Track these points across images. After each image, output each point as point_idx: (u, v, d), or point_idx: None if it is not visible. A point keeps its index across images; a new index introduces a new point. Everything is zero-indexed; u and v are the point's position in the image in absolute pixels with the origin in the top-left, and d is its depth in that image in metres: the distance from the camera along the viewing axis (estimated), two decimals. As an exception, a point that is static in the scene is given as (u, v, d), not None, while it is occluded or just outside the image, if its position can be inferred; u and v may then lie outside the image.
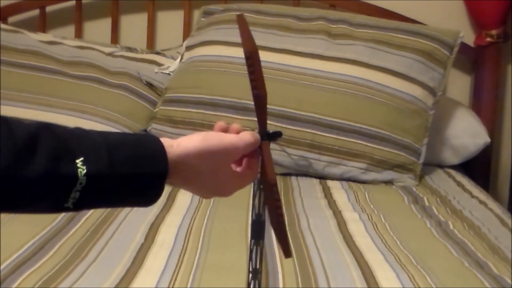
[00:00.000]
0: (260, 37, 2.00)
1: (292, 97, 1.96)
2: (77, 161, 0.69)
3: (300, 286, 1.17)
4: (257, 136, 0.80)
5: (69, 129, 0.71)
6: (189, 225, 1.46)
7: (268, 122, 0.83)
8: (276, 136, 0.82)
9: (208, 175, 0.78)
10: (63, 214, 1.48)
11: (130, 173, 0.72)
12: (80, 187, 0.69)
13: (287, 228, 1.46)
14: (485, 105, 2.33)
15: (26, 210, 0.70)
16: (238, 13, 2.14)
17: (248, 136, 0.80)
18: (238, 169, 0.82)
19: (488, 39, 2.28)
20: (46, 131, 0.68)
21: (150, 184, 0.74)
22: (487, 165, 2.37)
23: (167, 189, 1.84)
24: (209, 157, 0.77)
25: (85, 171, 0.68)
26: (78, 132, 0.71)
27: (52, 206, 0.70)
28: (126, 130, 2.02)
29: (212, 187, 0.81)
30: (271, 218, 0.76)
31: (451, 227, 1.54)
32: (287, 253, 0.71)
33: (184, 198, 1.67)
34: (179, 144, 0.76)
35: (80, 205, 0.71)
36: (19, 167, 0.65)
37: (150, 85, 2.18)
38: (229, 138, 0.79)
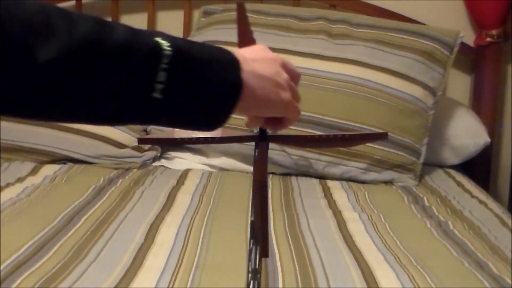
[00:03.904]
0: (260, 37, 2.00)
1: (292, 97, 1.95)
2: (156, 38, 0.62)
3: (300, 286, 1.17)
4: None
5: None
6: (189, 225, 1.47)
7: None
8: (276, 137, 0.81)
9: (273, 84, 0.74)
10: (62, 214, 1.48)
11: (209, 58, 0.66)
12: (166, 64, 0.61)
13: (287, 228, 1.47)
14: (485, 105, 2.33)
15: (108, 99, 0.60)
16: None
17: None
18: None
19: (488, 39, 2.28)
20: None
21: (228, 67, 0.68)
22: (487, 165, 2.37)
23: (167, 188, 1.84)
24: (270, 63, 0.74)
25: (168, 43, 0.62)
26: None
27: (138, 95, 0.61)
28: (126, 129, 2.02)
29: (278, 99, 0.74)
30: (255, 217, 0.76)
31: (451, 227, 1.54)
32: (266, 253, 0.70)
33: (184, 198, 1.67)
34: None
35: (167, 99, 0.62)
36: (101, 33, 0.58)
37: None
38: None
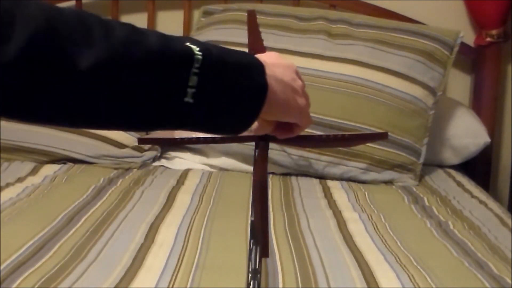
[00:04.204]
0: (260, 37, 2.00)
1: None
2: (186, 43, 0.63)
3: (300, 286, 1.17)
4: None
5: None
6: (189, 225, 1.46)
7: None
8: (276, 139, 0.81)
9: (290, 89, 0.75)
10: (63, 214, 1.48)
11: (236, 61, 0.67)
12: (197, 68, 0.62)
13: (287, 228, 1.46)
14: (485, 105, 2.33)
15: (139, 100, 0.61)
16: (238, 13, 2.15)
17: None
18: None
19: (488, 39, 2.28)
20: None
21: (254, 71, 0.69)
22: (487, 165, 2.37)
23: (167, 188, 1.84)
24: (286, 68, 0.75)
25: (198, 48, 0.63)
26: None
27: (171, 100, 0.62)
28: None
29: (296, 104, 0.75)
30: (255, 217, 0.76)
31: (451, 227, 1.54)
32: (266, 253, 0.71)
33: (184, 198, 1.67)
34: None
35: (198, 103, 0.63)
36: (137, 40, 0.60)
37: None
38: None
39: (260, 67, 0.69)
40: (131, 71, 0.59)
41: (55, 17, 0.55)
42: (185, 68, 0.62)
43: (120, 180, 1.81)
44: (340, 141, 0.85)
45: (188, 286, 1.15)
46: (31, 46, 0.53)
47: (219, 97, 0.65)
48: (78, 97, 0.57)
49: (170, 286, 1.15)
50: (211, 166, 2.02)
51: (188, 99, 0.63)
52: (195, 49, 0.63)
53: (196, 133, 0.83)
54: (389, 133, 0.84)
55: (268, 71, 0.70)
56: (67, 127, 0.61)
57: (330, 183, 1.91)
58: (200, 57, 0.63)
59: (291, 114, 0.74)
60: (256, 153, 0.80)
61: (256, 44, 0.78)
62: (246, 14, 0.79)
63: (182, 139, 0.82)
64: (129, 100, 0.60)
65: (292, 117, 0.75)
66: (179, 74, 0.62)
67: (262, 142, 0.79)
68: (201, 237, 1.40)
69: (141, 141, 0.85)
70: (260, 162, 0.76)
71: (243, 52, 0.70)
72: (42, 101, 0.56)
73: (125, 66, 0.58)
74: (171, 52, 0.62)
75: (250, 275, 0.79)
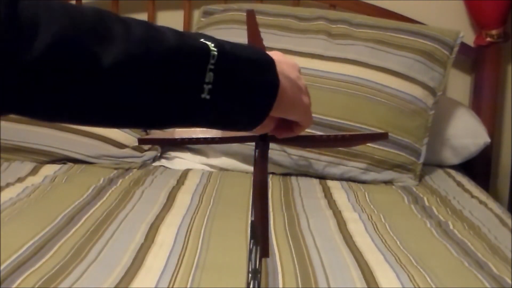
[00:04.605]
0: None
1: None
2: (201, 40, 0.64)
3: (300, 286, 1.17)
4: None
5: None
6: (189, 225, 1.46)
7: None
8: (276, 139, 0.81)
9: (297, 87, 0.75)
10: (62, 214, 1.48)
11: (249, 57, 0.67)
12: (212, 64, 0.62)
13: (287, 228, 1.46)
14: (485, 105, 2.33)
15: (159, 99, 0.61)
16: (238, 13, 2.15)
17: None
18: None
19: (488, 39, 2.28)
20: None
21: (267, 66, 0.69)
22: (487, 165, 2.37)
23: (167, 188, 1.84)
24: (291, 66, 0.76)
25: (212, 44, 0.63)
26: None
27: (189, 96, 0.62)
28: (126, 129, 2.02)
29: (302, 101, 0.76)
30: (255, 217, 0.76)
31: (451, 227, 1.54)
32: (266, 253, 0.71)
33: (184, 198, 1.67)
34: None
35: (214, 99, 0.63)
36: (154, 37, 0.60)
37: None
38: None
39: (271, 63, 0.69)
40: (150, 69, 0.59)
41: (77, 15, 0.55)
42: (201, 64, 0.62)
43: (120, 180, 1.81)
44: (340, 141, 0.85)
45: (188, 286, 1.15)
46: (57, 44, 0.53)
47: (234, 92, 0.65)
48: (100, 94, 0.57)
49: (170, 286, 1.15)
50: (211, 166, 2.02)
51: (205, 96, 0.63)
52: (210, 45, 0.63)
53: (197, 133, 0.83)
54: (389, 133, 0.84)
55: (277, 67, 0.70)
56: (85, 125, 0.60)
57: (330, 183, 1.91)
58: (215, 53, 0.63)
59: (297, 111, 0.74)
60: (256, 153, 0.80)
61: (256, 44, 0.78)
62: (251, 11, 0.79)
63: (183, 139, 0.82)
64: (148, 97, 0.60)
65: (297, 115, 0.75)
66: (196, 70, 0.62)
67: (262, 142, 0.79)
68: (201, 237, 1.40)
69: (141, 141, 0.84)
70: (260, 162, 0.76)
71: (253, 47, 0.70)
72: (66, 99, 0.56)
73: (145, 64, 0.59)
74: (189, 48, 0.62)
75: (250, 275, 0.79)
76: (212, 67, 0.62)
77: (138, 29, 0.59)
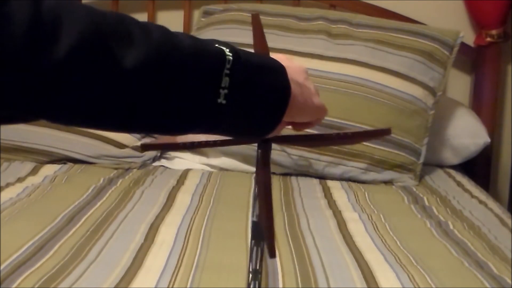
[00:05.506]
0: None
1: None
2: (216, 45, 0.64)
3: (300, 286, 1.17)
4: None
5: None
6: (189, 225, 1.46)
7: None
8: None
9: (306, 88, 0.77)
10: (63, 214, 1.48)
11: (261, 63, 0.68)
12: (228, 69, 0.63)
13: (287, 228, 1.46)
14: (485, 105, 2.33)
15: (178, 100, 0.60)
16: (238, 13, 2.15)
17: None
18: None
19: (488, 39, 2.28)
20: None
21: (278, 72, 0.70)
22: (487, 165, 2.37)
23: (167, 188, 1.84)
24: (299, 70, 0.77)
25: (227, 49, 0.64)
26: None
27: (206, 101, 0.62)
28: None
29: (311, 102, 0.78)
30: (261, 219, 0.76)
31: (451, 227, 1.54)
32: (273, 253, 0.71)
33: (184, 198, 1.67)
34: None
35: (230, 104, 0.63)
36: (171, 41, 0.60)
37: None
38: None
39: (281, 68, 0.70)
40: (169, 73, 0.59)
41: (99, 18, 0.55)
42: (218, 69, 0.62)
43: (120, 180, 1.81)
44: (343, 139, 0.85)
45: (188, 286, 1.15)
46: (81, 46, 0.53)
47: (248, 98, 0.66)
48: (119, 97, 0.57)
49: (170, 286, 1.15)
50: (211, 166, 2.02)
51: (221, 100, 0.63)
52: (225, 50, 0.64)
53: (199, 137, 0.82)
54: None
55: (287, 73, 0.71)
56: (101, 129, 0.60)
57: (330, 183, 1.91)
58: (230, 57, 0.63)
59: (307, 114, 0.75)
60: (259, 154, 0.80)
61: (261, 47, 0.78)
62: (246, 14, 0.79)
63: (185, 144, 0.82)
64: (165, 102, 0.60)
65: (308, 117, 0.76)
66: (212, 75, 0.62)
67: (264, 143, 0.79)
68: (201, 237, 1.40)
69: (144, 147, 0.84)
70: (263, 163, 0.76)
71: (261, 54, 0.71)
72: (86, 102, 0.55)
73: (163, 67, 0.58)
74: (206, 53, 0.62)
75: (250, 275, 0.79)
76: (228, 71, 0.63)
77: (156, 34, 0.59)
